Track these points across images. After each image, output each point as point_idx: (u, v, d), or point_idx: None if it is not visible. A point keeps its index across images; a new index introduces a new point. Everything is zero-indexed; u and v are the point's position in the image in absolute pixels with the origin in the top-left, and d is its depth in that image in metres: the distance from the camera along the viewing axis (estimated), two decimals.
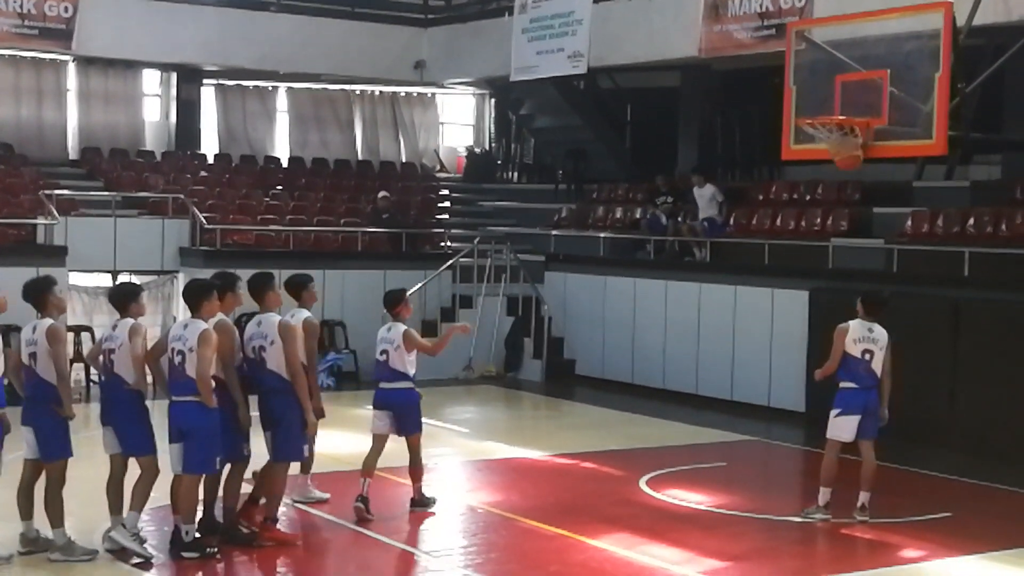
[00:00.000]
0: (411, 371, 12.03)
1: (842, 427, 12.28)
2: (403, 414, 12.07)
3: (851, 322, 12.38)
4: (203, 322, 10.26)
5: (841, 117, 16.36)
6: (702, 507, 12.91)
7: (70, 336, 19.23)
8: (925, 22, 16.05)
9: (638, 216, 23.32)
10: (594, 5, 23.34)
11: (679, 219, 22.03)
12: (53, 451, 10.09)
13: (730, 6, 21.06)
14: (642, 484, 13.76)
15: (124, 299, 10.55)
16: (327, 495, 12.50)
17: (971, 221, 18.30)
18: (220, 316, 10.53)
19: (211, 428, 10.21)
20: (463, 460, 15.49)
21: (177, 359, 10.22)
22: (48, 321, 10.09)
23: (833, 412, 12.33)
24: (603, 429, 17.97)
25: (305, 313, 11.56)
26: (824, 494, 12.40)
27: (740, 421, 18.34)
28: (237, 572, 10.33)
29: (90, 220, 22.04)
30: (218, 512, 10.82)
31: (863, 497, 12.28)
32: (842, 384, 12.28)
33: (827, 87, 16.74)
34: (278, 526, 11.03)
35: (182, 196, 23.22)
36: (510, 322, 23.00)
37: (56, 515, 10.11)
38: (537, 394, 21.38)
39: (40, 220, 21.22)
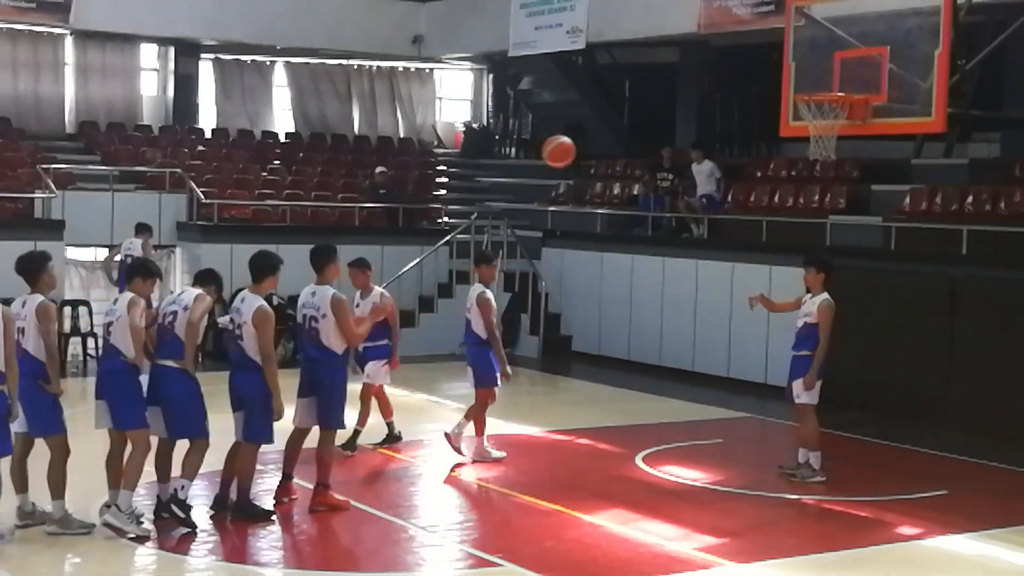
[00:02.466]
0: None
1: (815, 392, 12.87)
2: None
3: (828, 296, 12.77)
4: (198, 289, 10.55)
5: (840, 94, 16.35)
6: (698, 483, 12.92)
7: (67, 310, 19.38)
8: None
9: (636, 192, 23.27)
10: None
11: (677, 195, 22.00)
12: (42, 427, 10.09)
13: None
14: (638, 460, 13.77)
15: (133, 272, 10.57)
16: (503, 453, 13.62)
17: (969, 199, 18.27)
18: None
19: (190, 396, 10.41)
20: None
21: (168, 320, 10.38)
22: (38, 297, 10.06)
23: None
24: (599, 405, 17.98)
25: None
26: (816, 458, 12.97)
27: (736, 398, 18.35)
28: (230, 546, 10.33)
29: (87, 194, 22.02)
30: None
31: (803, 455, 13.02)
32: (809, 352, 12.86)
33: (826, 64, 16.73)
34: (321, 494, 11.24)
35: (179, 170, 23.20)
36: (507, 298, 22.96)
37: (57, 487, 10.12)
38: (534, 370, 21.36)
39: (37, 194, 21.20)
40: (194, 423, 10.49)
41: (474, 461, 13.45)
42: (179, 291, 10.78)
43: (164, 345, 10.45)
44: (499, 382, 13.55)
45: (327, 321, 10.96)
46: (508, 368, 13.62)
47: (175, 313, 10.41)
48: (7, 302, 9.99)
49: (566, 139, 13.18)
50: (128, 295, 10.37)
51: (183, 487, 10.45)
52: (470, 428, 13.56)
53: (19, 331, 10.01)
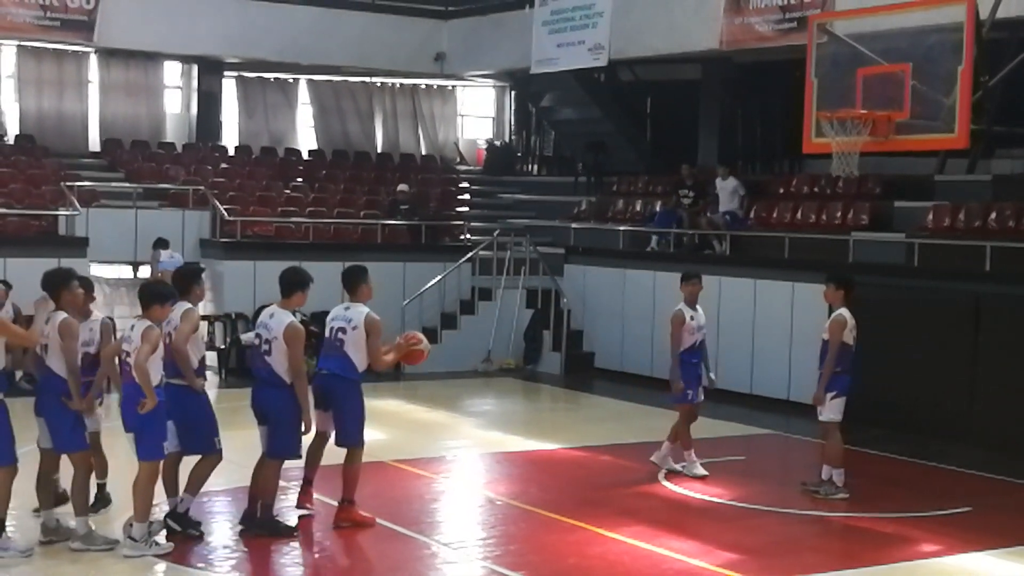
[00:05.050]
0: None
1: (839, 409, 12.86)
2: None
3: (843, 312, 12.78)
4: (187, 304, 10.50)
5: (862, 111, 16.32)
6: (720, 500, 12.89)
7: None
8: (948, 15, 15.99)
9: (657, 208, 23.24)
10: None
11: (699, 213, 21.99)
12: (66, 443, 10.13)
13: None
14: (660, 477, 13.76)
15: (149, 299, 10.28)
16: (707, 472, 13.78)
17: (993, 215, 18.23)
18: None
19: (198, 411, 10.42)
20: (482, 452, 15.50)
21: (166, 340, 10.34)
22: (61, 315, 10.10)
23: (829, 395, 12.82)
24: (622, 422, 17.97)
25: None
26: (839, 475, 12.93)
27: (759, 415, 18.30)
28: (254, 563, 10.34)
29: (111, 211, 22.15)
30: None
31: (826, 471, 13.00)
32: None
33: (849, 80, 16.68)
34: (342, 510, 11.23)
35: (203, 188, 23.31)
36: (529, 315, 22.99)
37: (80, 504, 10.15)
38: (556, 387, 21.37)
39: (61, 211, 21.32)
40: (205, 438, 10.50)
41: (669, 473, 13.84)
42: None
43: (170, 365, 10.38)
44: (689, 397, 13.77)
45: (356, 334, 10.96)
46: (712, 375, 14.09)
47: (170, 335, 10.37)
48: (30, 320, 10.04)
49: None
50: (145, 323, 10.09)
51: (182, 500, 10.50)
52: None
53: (43, 348, 10.08)
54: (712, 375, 14.24)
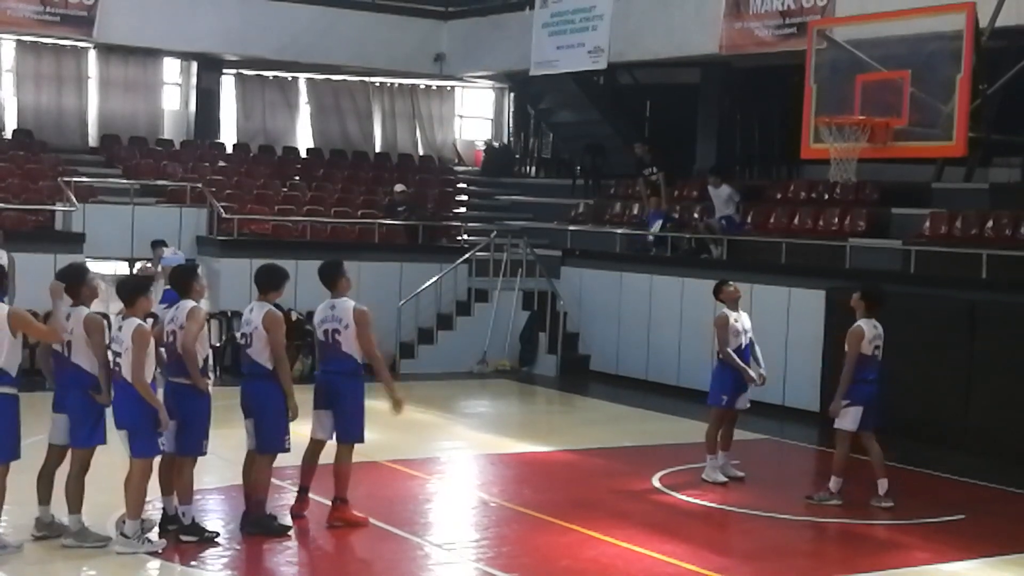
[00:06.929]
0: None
1: (853, 419, 12.73)
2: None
3: (861, 323, 12.65)
4: (191, 302, 10.45)
5: (861, 117, 16.34)
6: (714, 505, 12.90)
7: None
8: (947, 23, 16.00)
9: (643, 214, 23.33)
10: (615, 1, 23.34)
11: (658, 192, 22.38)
12: (84, 439, 10.04)
13: (752, 3, 21.09)
14: (655, 481, 13.75)
15: (137, 291, 10.29)
16: (743, 473, 13.96)
17: (990, 223, 18.23)
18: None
19: (199, 410, 10.36)
20: (476, 454, 15.49)
21: (170, 339, 10.35)
22: (84, 310, 10.05)
23: (843, 403, 12.71)
24: (617, 425, 17.95)
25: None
26: (836, 482, 12.88)
27: (754, 420, 18.23)
28: (246, 561, 10.33)
29: (108, 207, 22.12)
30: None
31: (883, 485, 12.82)
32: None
33: (848, 86, 16.70)
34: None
35: (200, 185, 23.29)
36: (525, 316, 22.98)
37: (75, 501, 10.11)
38: (551, 389, 21.37)
39: (58, 207, 21.28)
40: (194, 440, 10.43)
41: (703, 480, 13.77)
42: (175, 306, 10.62)
43: (173, 364, 10.39)
44: (724, 402, 13.77)
45: (349, 332, 10.96)
46: (762, 370, 14.02)
47: (175, 333, 10.34)
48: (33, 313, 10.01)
49: None
50: (134, 321, 10.03)
51: (184, 513, 10.46)
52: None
53: (65, 344, 10.01)
54: (763, 370, 14.14)
